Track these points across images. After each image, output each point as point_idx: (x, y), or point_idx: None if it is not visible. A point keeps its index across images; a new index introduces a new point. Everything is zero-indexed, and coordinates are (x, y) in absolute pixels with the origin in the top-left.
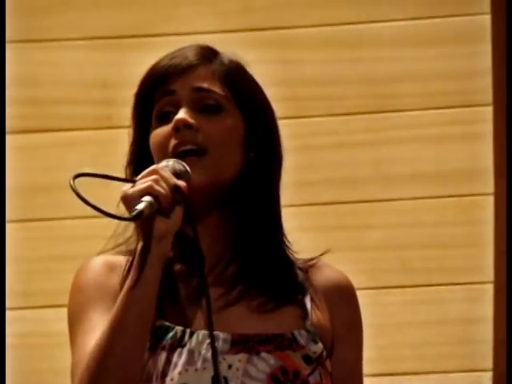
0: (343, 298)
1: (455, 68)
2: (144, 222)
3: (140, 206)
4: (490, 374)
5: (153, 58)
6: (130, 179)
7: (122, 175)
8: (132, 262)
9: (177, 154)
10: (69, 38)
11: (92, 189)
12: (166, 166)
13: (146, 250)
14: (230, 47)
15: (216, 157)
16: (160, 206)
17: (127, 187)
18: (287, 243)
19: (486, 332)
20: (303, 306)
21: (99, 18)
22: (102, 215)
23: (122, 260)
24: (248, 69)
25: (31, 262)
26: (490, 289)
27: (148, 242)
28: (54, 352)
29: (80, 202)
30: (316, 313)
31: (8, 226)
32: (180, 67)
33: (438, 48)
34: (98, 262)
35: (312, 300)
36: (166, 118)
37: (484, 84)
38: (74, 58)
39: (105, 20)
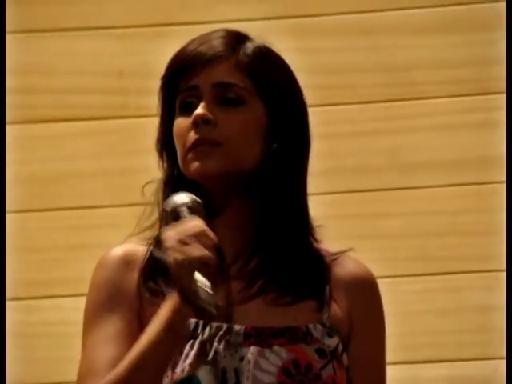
0: (363, 291)
1: (469, 56)
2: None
3: (209, 291)
4: (505, 362)
5: (169, 47)
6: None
7: (142, 163)
8: (150, 254)
9: (193, 148)
10: (85, 28)
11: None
12: (182, 204)
13: (181, 312)
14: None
15: (231, 148)
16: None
17: (170, 233)
18: (313, 232)
19: (503, 320)
20: (321, 300)
21: (116, 8)
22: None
23: (141, 251)
24: (277, 55)
25: (50, 252)
26: (503, 277)
27: (187, 307)
28: (73, 341)
29: (96, 190)
30: (334, 307)
31: (26, 216)
32: (204, 59)
33: (451, 36)
34: (116, 257)
35: (331, 293)
36: (188, 108)
37: (498, 72)
38: (90, 48)
39: (121, 9)
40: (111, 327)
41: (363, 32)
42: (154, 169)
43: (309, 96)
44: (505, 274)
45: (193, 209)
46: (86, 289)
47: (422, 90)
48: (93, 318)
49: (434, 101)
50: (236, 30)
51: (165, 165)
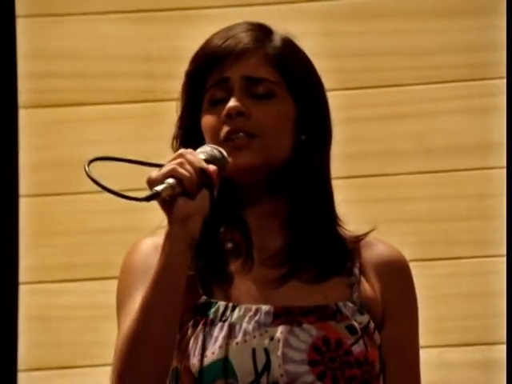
0: (395, 274)
1: (469, 41)
2: (167, 205)
3: (158, 188)
4: None
5: (196, 31)
6: (156, 163)
7: (166, 148)
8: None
9: (227, 140)
10: (111, 11)
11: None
12: (201, 151)
13: (171, 233)
14: (270, 20)
15: (266, 140)
16: (184, 189)
17: (154, 171)
18: (338, 221)
19: None
20: (351, 279)
21: None
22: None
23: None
24: (300, 47)
25: (76, 236)
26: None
27: (173, 225)
28: (99, 324)
29: (122, 174)
30: (365, 286)
31: (49, 200)
32: (234, 53)
33: (451, 21)
34: (147, 244)
35: (362, 274)
36: (218, 103)
37: (498, 57)
38: (116, 32)
39: None
40: None
41: (387, 15)
42: None
43: (332, 80)
44: None
45: (210, 154)
46: (111, 272)
47: (445, 74)
48: (125, 297)
49: (459, 84)
50: (258, 23)
51: None
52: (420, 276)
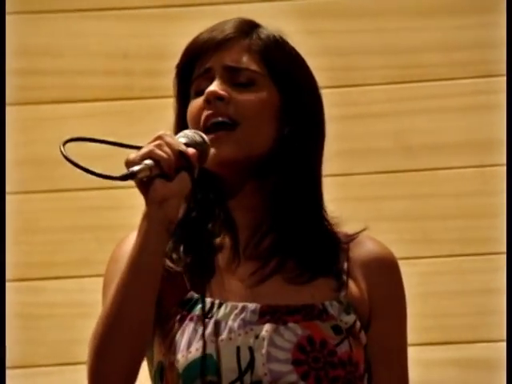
0: (382, 270)
1: (469, 38)
2: (144, 186)
3: (135, 168)
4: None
5: (175, 28)
6: (134, 145)
7: (145, 144)
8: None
9: (208, 126)
10: (90, 9)
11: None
12: (183, 135)
13: (148, 215)
14: (252, 18)
15: (247, 130)
16: (162, 171)
17: (133, 153)
18: (327, 216)
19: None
20: (339, 278)
21: None
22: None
23: None
24: (289, 43)
25: (53, 233)
26: (503, 259)
27: (150, 207)
28: (77, 322)
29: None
30: (352, 285)
31: (30, 197)
32: (215, 41)
33: (452, 18)
34: (132, 238)
35: (349, 272)
36: (202, 93)
37: (498, 55)
38: (95, 29)
39: None
40: None
41: (368, 14)
42: None
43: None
44: (505, 256)
45: (191, 139)
46: (88, 271)
47: (426, 73)
48: (108, 284)
49: (437, 83)
50: (251, 19)
51: None
52: None
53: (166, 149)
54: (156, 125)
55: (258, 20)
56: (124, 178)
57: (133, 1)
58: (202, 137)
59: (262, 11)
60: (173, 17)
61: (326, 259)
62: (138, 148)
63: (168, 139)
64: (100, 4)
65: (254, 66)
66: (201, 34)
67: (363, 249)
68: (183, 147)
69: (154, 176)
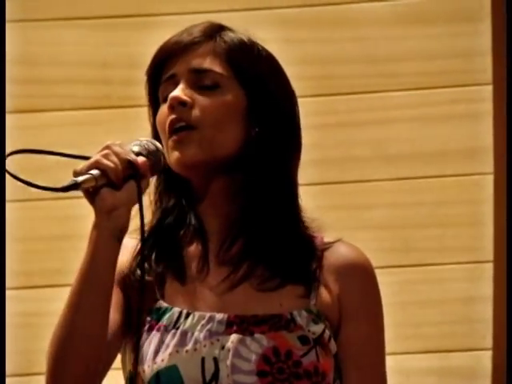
0: (354, 275)
1: (455, 47)
2: (91, 196)
3: (79, 178)
4: (489, 353)
5: (153, 37)
6: (81, 156)
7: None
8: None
9: (171, 131)
10: (68, 18)
11: None
12: (136, 144)
13: (97, 224)
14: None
15: (207, 132)
16: (109, 180)
17: (81, 163)
18: (303, 220)
19: (486, 311)
20: (309, 286)
21: None
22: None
23: (134, 242)
24: (258, 45)
25: (31, 242)
26: (489, 268)
27: (98, 216)
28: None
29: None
30: (323, 293)
31: (8, 206)
32: (181, 46)
33: (437, 27)
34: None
35: (321, 279)
36: None
37: (484, 63)
38: (73, 38)
39: (105, 0)
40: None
41: (347, 23)
42: None
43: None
44: (486, 265)
45: (144, 147)
46: (67, 279)
47: (406, 82)
48: None
49: (419, 92)
50: (219, 23)
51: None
52: (379, 283)
53: (114, 158)
54: (135, 133)
55: (237, 29)
56: (66, 189)
57: (111, 10)
58: (155, 145)
59: (242, 20)
60: (151, 26)
61: (296, 265)
62: (86, 158)
63: (116, 149)
64: (77, 13)
65: (218, 68)
66: (168, 39)
67: (336, 254)
68: (132, 156)
69: (101, 186)
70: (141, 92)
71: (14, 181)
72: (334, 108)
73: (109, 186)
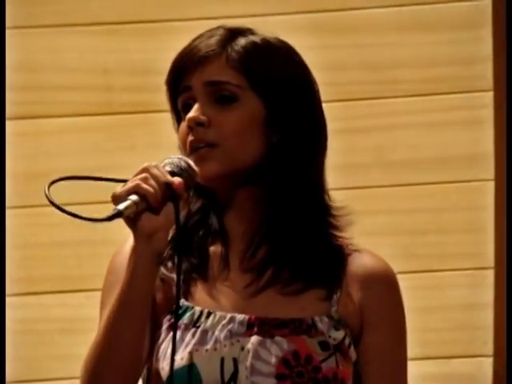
0: (377, 284)
1: (456, 54)
2: (132, 221)
3: (121, 206)
4: (490, 360)
5: (154, 44)
6: (120, 179)
7: (127, 159)
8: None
9: (191, 151)
10: (69, 24)
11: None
12: (168, 163)
13: (136, 250)
14: None
15: (227, 147)
16: (148, 205)
17: (119, 187)
18: (330, 221)
19: (487, 318)
20: (332, 291)
21: (101, 4)
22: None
23: None
24: (275, 47)
25: (32, 249)
26: (490, 274)
27: (138, 242)
28: (55, 338)
29: (79, 187)
30: (345, 300)
31: (9, 213)
32: (195, 60)
33: (438, 34)
34: (128, 247)
35: (344, 286)
36: (188, 109)
37: (484, 70)
38: (74, 44)
39: (106, 6)
40: None
41: (347, 30)
42: (137, 166)
43: None
44: (487, 271)
45: (176, 166)
46: (68, 286)
47: (407, 88)
48: (105, 297)
49: (420, 98)
50: (237, 26)
51: None
52: None
53: (152, 182)
54: (135, 140)
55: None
56: (110, 218)
57: (112, 16)
58: (187, 162)
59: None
60: (152, 32)
61: (320, 269)
62: (124, 181)
63: (154, 171)
64: (78, 19)
65: (233, 80)
66: (188, 44)
67: (359, 263)
68: (169, 178)
69: (141, 211)
70: (142, 98)
71: (14, 187)
72: (335, 114)
73: (148, 210)
